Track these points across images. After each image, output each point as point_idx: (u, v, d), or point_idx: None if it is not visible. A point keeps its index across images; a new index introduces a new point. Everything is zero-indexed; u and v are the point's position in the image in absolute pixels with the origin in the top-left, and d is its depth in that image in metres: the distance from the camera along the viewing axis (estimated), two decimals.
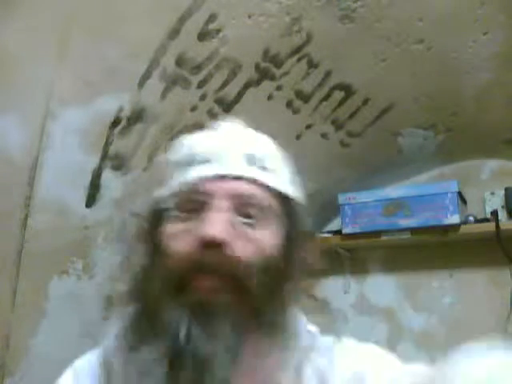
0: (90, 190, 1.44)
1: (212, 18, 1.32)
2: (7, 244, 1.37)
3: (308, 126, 1.79)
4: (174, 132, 1.52)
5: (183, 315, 0.62)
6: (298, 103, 1.68)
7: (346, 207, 1.99)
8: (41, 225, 1.39)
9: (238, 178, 0.67)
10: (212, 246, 0.62)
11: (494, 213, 1.91)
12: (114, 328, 0.71)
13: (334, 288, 2.23)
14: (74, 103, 1.30)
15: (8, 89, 1.22)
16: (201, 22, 1.32)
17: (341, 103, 1.75)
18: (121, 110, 1.38)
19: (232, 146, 0.69)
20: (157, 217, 0.69)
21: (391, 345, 2.12)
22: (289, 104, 1.67)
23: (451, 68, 1.67)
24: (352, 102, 1.76)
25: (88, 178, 1.43)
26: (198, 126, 1.63)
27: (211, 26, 1.34)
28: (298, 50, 1.51)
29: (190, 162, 0.69)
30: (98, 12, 1.20)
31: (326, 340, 0.74)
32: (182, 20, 1.30)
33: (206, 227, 0.63)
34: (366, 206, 1.96)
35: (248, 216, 0.67)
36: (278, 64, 1.52)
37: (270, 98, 1.61)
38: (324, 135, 1.86)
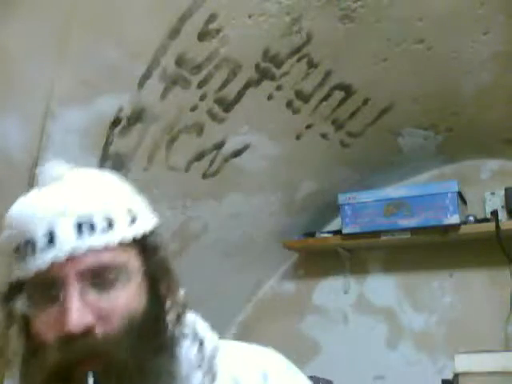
0: None
1: (212, 18, 1.32)
2: None
3: (308, 126, 1.79)
4: (174, 132, 1.52)
5: None
6: (297, 103, 1.68)
7: (346, 207, 1.99)
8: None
9: (80, 254, 0.64)
10: (76, 338, 0.62)
11: (494, 213, 1.91)
12: None
13: (334, 288, 2.24)
14: (74, 103, 1.30)
15: (8, 89, 1.22)
16: (201, 22, 1.32)
17: (341, 103, 1.75)
18: (121, 110, 1.37)
19: (60, 223, 0.65)
20: (14, 303, 0.67)
21: (391, 345, 2.12)
22: (289, 104, 1.67)
23: (451, 68, 1.67)
24: (352, 101, 1.76)
25: None
26: (198, 126, 1.64)
27: (211, 26, 1.34)
28: (298, 50, 1.51)
29: (26, 251, 0.65)
30: (98, 12, 1.19)
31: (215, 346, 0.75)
32: (182, 20, 1.29)
33: (66, 320, 0.62)
34: (365, 206, 1.96)
35: (103, 286, 0.65)
36: (278, 64, 1.52)
37: (270, 98, 1.61)
38: (324, 135, 1.86)
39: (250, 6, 1.35)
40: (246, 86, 1.54)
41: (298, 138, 1.81)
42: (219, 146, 1.65)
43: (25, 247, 0.65)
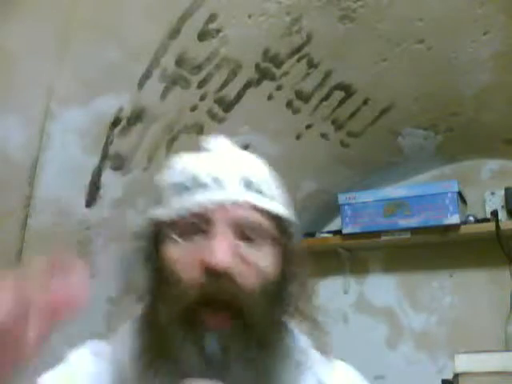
0: (89, 189, 1.44)
1: (212, 18, 1.32)
2: (7, 244, 1.37)
3: (308, 126, 1.79)
4: (174, 132, 1.52)
5: (194, 348, 0.64)
6: (297, 103, 1.68)
7: (346, 207, 1.99)
8: (41, 225, 1.38)
9: (236, 203, 0.69)
10: (217, 274, 0.64)
11: (494, 213, 1.91)
12: (124, 338, 0.72)
13: (334, 288, 2.23)
14: (74, 103, 1.30)
15: (8, 89, 1.22)
16: (201, 22, 1.32)
17: (341, 103, 1.75)
18: (121, 110, 1.37)
19: (230, 171, 0.71)
20: (156, 238, 0.71)
21: (391, 345, 2.12)
22: (289, 104, 1.67)
23: (451, 68, 1.67)
24: (352, 101, 1.76)
25: (88, 178, 1.43)
26: (198, 126, 1.64)
27: (211, 26, 1.34)
28: (298, 49, 1.51)
29: (189, 186, 0.70)
30: (98, 12, 1.20)
31: (317, 356, 0.77)
32: (182, 20, 1.30)
33: (210, 256, 0.65)
34: (365, 206, 1.96)
35: (247, 240, 0.69)
36: (278, 64, 1.52)
37: (270, 97, 1.61)
38: (324, 135, 1.86)
39: (249, 6, 1.35)
40: (246, 86, 1.54)
41: (298, 137, 1.81)
42: None
43: (191, 184, 0.70)
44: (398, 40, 1.56)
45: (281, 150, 1.80)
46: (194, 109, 1.50)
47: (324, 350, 0.77)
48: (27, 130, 1.28)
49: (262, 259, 0.69)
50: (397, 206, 1.92)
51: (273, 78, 1.56)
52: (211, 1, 1.29)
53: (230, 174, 0.70)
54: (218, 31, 1.36)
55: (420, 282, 2.12)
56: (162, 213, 0.71)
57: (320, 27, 1.46)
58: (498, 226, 1.86)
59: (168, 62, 1.36)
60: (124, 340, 0.72)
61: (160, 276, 0.69)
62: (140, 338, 0.69)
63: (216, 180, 0.70)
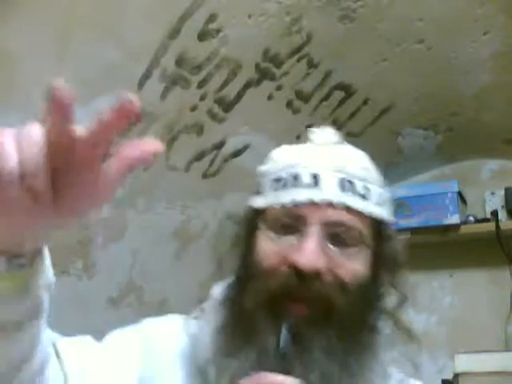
0: None
1: (212, 18, 1.32)
2: None
3: (308, 126, 1.78)
4: (174, 132, 1.52)
5: (271, 335, 0.65)
6: (297, 103, 1.68)
7: None
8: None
9: (332, 204, 0.68)
10: (303, 275, 0.65)
11: (494, 213, 1.92)
12: (210, 318, 0.73)
13: None
14: (74, 103, 1.30)
15: (8, 89, 1.22)
16: (201, 22, 1.32)
17: (341, 103, 1.75)
18: None
19: (329, 169, 0.70)
20: (251, 225, 0.73)
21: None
22: (289, 104, 1.67)
23: (451, 68, 1.67)
24: (352, 101, 1.76)
25: None
26: (198, 126, 1.64)
27: (211, 26, 1.34)
28: (298, 49, 1.51)
29: (287, 181, 0.71)
30: (98, 12, 1.20)
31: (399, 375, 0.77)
32: (182, 20, 1.29)
33: (298, 256, 0.65)
34: None
35: (339, 243, 0.68)
36: (278, 64, 1.52)
37: (270, 97, 1.61)
38: None
39: (250, 5, 1.35)
40: (246, 86, 1.54)
41: (297, 138, 1.81)
42: (219, 146, 1.65)
43: (289, 179, 0.70)
44: (398, 40, 1.56)
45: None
46: (194, 109, 1.50)
47: (413, 362, 0.77)
48: None
49: (352, 263, 0.68)
50: (397, 205, 1.92)
51: (273, 77, 1.56)
52: (211, 1, 1.29)
53: (329, 173, 0.70)
54: (218, 31, 1.36)
55: (420, 282, 2.12)
56: (259, 203, 0.73)
57: (320, 27, 1.46)
58: (498, 226, 1.86)
59: (168, 62, 1.36)
60: (209, 320, 0.72)
61: (249, 263, 0.70)
62: (224, 321, 0.70)
63: (313, 178, 0.69)
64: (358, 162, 0.74)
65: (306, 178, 0.69)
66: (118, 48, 1.27)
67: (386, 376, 0.72)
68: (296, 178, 0.70)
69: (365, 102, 1.78)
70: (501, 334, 1.93)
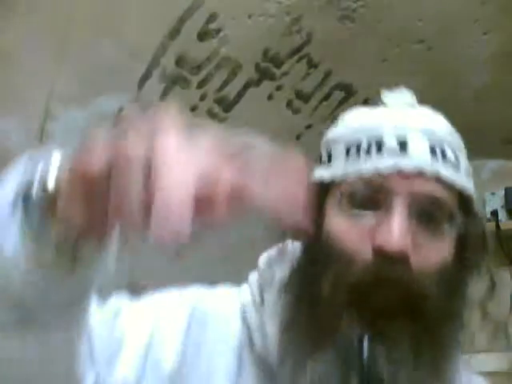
0: None
1: (212, 17, 1.32)
2: None
3: (308, 126, 1.79)
4: None
5: (360, 333, 0.56)
6: (297, 103, 1.68)
7: None
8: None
9: (423, 174, 0.58)
10: (391, 258, 0.55)
11: (494, 213, 1.91)
12: (276, 308, 0.62)
13: None
14: (74, 103, 1.30)
15: (8, 89, 1.22)
16: (201, 22, 1.32)
17: (341, 103, 1.75)
18: (121, 110, 1.37)
19: (417, 133, 0.60)
20: (321, 202, 0.61)
21: None
22: (289, 104, 1.67)
23: (451, 68, 1.67)
24: (352, 102, 1.76)
25: None
26: None
27: (211, 26, 1.34)
28: (298, 49, 1.51)
29: (366, 147, 0.59)
30: (98, 12, 1.20)
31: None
32: (182, 20, 1.29)
33: (385, 236, 0.56)
34: None
35: (428, 220, 0.59)
36: (278, 64, 1.52)
37: (270, 97, 1.61)
38: None
39: (250, 6, 1.35)
40: (246, 86, 1.54)
41: (297, 138, 1.81)
42: None
43: (370, 144, 0.59)
44: (398, 40, 1.56)
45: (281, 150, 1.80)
46: (193, 109, 1.50)
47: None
48: (27, 130, 1.28)
49: (442, 245, 0.59)
50: None
51: (273, 77, 1.56)
52: (211, 1, 1.29)
53: (418, 136, 0.59)
54: (218, 31, 1.36)
55: None
56: (330, 174, 0.61)
57: (320, 27, 1.46)
58: (498, 226, 1.86)
59: (168, 62, 1.36)
60: (273, 310, 0.62)
61: (322, 247, 0.59)
62: (294, 313, 0.60)
63: (400, 142, 0.58)
64: (445, 127, 0.64)
65: (392, 142, 0.58)
66: (118, 48, 1.27)
67: (461, 373, 0.64)
68: (378, 142, 0.59)
69: (365, 102, 1.78)
70: (501, 334, 1.93)
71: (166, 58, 1.34)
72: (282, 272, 0.65)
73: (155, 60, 1.34)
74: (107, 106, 1.36)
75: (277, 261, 0.67)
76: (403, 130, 0.60)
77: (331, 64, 1.60)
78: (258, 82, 1.55)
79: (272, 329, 0.61)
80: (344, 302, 0.56)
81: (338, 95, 1.72)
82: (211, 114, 1.55)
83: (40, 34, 1.17)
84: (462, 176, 0.61)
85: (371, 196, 0.58)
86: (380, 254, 0.56)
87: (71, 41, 1.21)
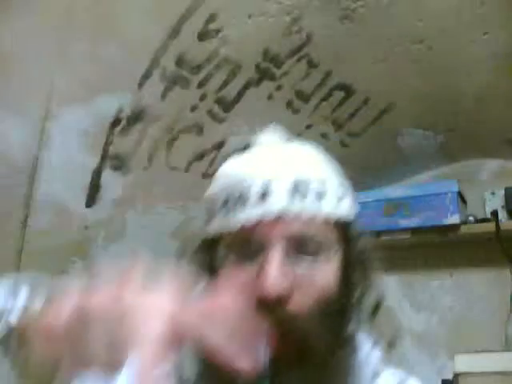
0: (90, 189, 1.44)
1: (212, 17, 1.32)
2: (7, 244, 1.37)
3: (308, 126, 1.79)
4: (174, 132, 1.52)
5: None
6: (297, 103, 1.68)
7: None
8: (41, 225, 1.38)
9: (288, 215, 0.61)
10: (271, 302, 0.58)
11: (494, 213, 1.91)
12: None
13: None
14: (74, 103, 1.30)
15: (8, 89, 1.22)
16: (201, 22, 1.32)
17: (341, 103, 1.75)
18: (121, 110, 1.37)
19: (280, 179, 0.63)
20: (212, 253, 0.66)
21: (391, 345, 2.12)
22: (289, 104, 1.67)
23: (451, 68, 1.67)
24: (352, 101, 1.76)
25: (88, 178, 1.43)
26: (198, 126, 1.64)
27: (211, 26, 1.34)
28: (298, 49, 1.51)
29: (233, 202, 0.63)
30: (98, 12, 1.20)
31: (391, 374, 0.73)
32: (182, 20, 1.30)
33: (262, 285, 0.59)
34: (365, 206, 1.96)
35: (306, 254, 0.62)
36: (278, 64, 1.52)
37: (270, 97, 1.61)
38: (324, 135, 1.86)
39: (250, 6, 1.35)
40: (246, 86, 1.54)
41: (298, 137, 1.81)
42: (219, 146, 1.65)
43: (235, 201, 0.63)
44: (398, 40, 1.56)
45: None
46: (194, 109, 1.50)
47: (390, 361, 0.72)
48: (27, 130, 1.28)
49: (322, 274, 0.62)
50: (397, 206, 1.92)
51: (273, 77, 1.56)
52: (211, 1, 1.29)
53: (281, 184, 0.62)
54: (218, 31, 1.36)
55: (420, 282, 2.12)
56: (212, 229, 0.66)
57: (320, 27, 1.46)
58: (498, 226, 1.86)
59: (168, 62, 1.36)
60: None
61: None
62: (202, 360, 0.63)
63: (261, 191, 0.62)
64: (308, 160, 0.68)
65: (255, 196, 0.62)
66: (118, 48, 1.27)
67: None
68: (241, 196, 0.63)
69: (365, 102, 1.78)
70: (501, 334, 1.93)
71: (165, 57, 1.34)
72: None
73: (155, 60, 1.34)
74: (107, 105, 1.36)
75: None
76: (266, 181, 0.63)
77: (331, 64, 1.60)
78: (258, 82, 1.55)
79: (189, 363, 0.63)
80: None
81: (338, 95, 1.72)
82: (211, 114, 1.55)
83: (40, 34, 1.17)
84: (334, 206, 0.64)
85: (249, 247, 0.62)
86: (261, 303, 0.58)
87: (71, 41, 1.21)
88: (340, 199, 0.66)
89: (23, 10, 1.13)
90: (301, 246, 0.62)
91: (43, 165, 1.32)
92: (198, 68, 1.41)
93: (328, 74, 1.63)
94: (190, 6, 1.28)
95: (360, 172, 2.10)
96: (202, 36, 1.35)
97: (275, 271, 0.59)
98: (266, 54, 1.48)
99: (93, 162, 1.41)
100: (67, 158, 1.36)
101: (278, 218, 0.61)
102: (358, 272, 0.68)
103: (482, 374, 1.64)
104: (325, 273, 0.63)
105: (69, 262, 1.49)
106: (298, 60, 1.54)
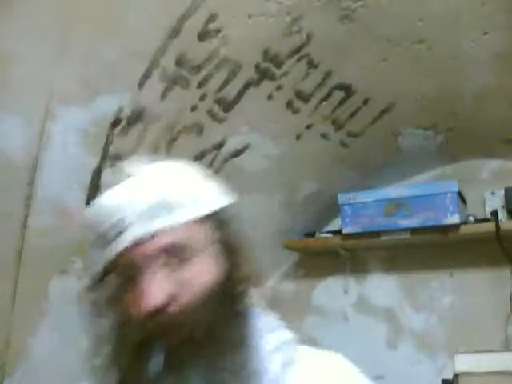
0: (89, 190, 1.44)
1: (212, 17, 1.32)
2: (7, 244, 1.37)
3: (308, 126, 1.79)
4: (174, 132, 1.52)
5: (143, 368, 0.68)
6: (297, 103, 1.68)
7: (346, 207, 1.99)
8: (41, 225, 1.38)
9: (150, 235, 0.69)
10: (155, 313, 0.67)
11: (494, 213, 1.91)
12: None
13: (334, 288, 2.23)
14: (74, 103, 1.30)
15: (8, 89, 1.22)
16: (201, 22, 1.32)
17: (341, 103, 1.75)
18: (121, 110, 1.37)
19: (137, 205, 0.70)
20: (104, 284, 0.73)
21: (391, 345, 2.12)
22: (289, 104, 1.67)
23: (451, 68, 1.67)
24: (352, 101, 1.76)
25: (88, 178, 1.43)
26: (198, 126, 1.64)
27: (211, 26, 1.34)
28: (298, 49, 1.51)
29: (102, 241, 0.71)
30: (98, 12, 1.20)
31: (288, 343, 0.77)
32: (182, 20, 1.29)
33: (143, 299, 0.67)
34: (365, 206, 1.96)
35: (175, 259, 0.69)
36: (278, 64, 1.52)
37: (270, 97, 1.61)
38: (324, 135, 1.86)
39: (250, 5, 1.35)
40: (246, 85, 1.54)
41: (297, 138, 1.81)
42: (219, 146, 1.65)
43: (100, 239, 0.71)
44: (398, 40, 1.56)
45: (281, 150, 1.80)
46: (194, 109, 1.50)
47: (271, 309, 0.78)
48: (27, 130, 1.28)
49: (200, 272, 0.70)
50: (397, 205, 1.92)
51: (273, 77, 1.56)
52: (211, 1, 1.29)
53: (127, 214, 0.70)
54: (218, 31, 1.36)
55: (420, 282, 2.12)
56: (96, 266, 0.73)
57: (320, 27, 1.46)
58: (498, 226, 1.86)
59: (168, 62, 1.36)
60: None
61: (116, 320, 0.72)
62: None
63: (115, 226, 0.70)
64: (155, 185, 0.73)
65: (112, 232, 0.70)
66: (118, 48, 1.27)
67: (266, 362, 0.72)
68: (105, 236, 0.71)
69: (365, 102, 1.78)
70: (501, 334, 1.93)
71: (165, 57, 1.34)
72: None
73: (155, 60, 1.34)
74: (107, 105, 1.36)
75: None
76: (119, 215, 0.70)
77: (331, 64, 1.60)
78: (258, 82, 1.55)
79: None
80: (135, 351, 0.69)
81: (338, 95, 1.72)
82: (211, 114, 1.55)
83: (40, 34, 1.17)
84: (179, 213, 0.70)
85: (126, 273, 0.70)
86: (146, 316, 0.67)
87: (71, 41, 1.21)
88: (192, 205, 0.72)
89: (23, 10, 1.13)
90: (168, 257, 0.69)
91: (43, 165, 1.32)
92: (198, 68, 1.41)
93: (328, 74, 1.63)
94: (189, 6, 1.28)
95: (360, 172, 2.10)
96: (202, 36, 1.35)
97: (148, 287, 0.68)
98: (265, 53, 1.48)
99: (93, 161, 1.41)
100: (67, 158, 1.36)
101: (139, 242, 0.69)
102: (234, 254, 0.75)
103: (482, 373, 1.64)
104: (197, 270, 0.70)
105: (69, 262, 1.49)
106: (298, 60, 1.54)
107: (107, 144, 1.41)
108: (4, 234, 1.34)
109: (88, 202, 1.46)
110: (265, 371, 0.71)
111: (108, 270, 0.71)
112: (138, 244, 0.69)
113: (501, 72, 1.67)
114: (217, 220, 0.74)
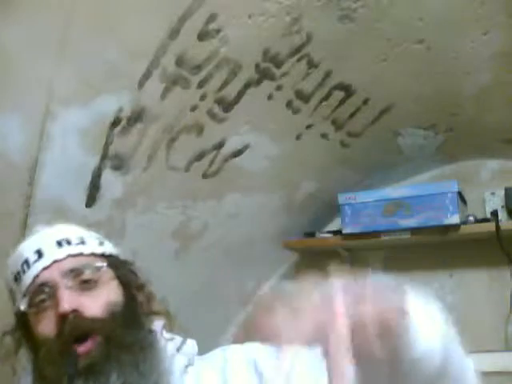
0: (89, 189, 1.44)
1: (212, 17, 1.32)
2: (7, 244, 1.37)
3: (308, 126, 1.79)
4: (174, 132, 1.52)
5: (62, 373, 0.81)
6: (297, 103, 1.68)
7: (346, 207, 1.99)
8: (41, 225, 1.38)
9: (58, 261, 0.86)
10: (67, 316, 0.82)
11: (494, 213, 1.92)
12: None
13: None
14: (74, 103, 1.30)
15: (8, 89, 1.22)
16: (201, 22, 1.32)
17: (341, 103, 1.75)
18: (121, 110, 1.37)
19: (46, 243, 0.89)
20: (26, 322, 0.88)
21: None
22: (289, 104, 1.67)
23: (451, 68, 1.67)
24: (352, 101, 1.76)
25: (88, 178, 1.43)
26: (198, 126, 1.64)
27: (211, 26, 1.34)
28: (298, 49, 1.51)
29: (24, 269, 0.88)
30: (98, 12, 1.20)
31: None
32: (182, 20, 1.29)
33: (57, 308, 0.83)
34: (366, 206, 1.96)
35: (84, 280, 0.86)
36: (278, 64, 1.52)
37: (270, 97, 1.61)
38: (324, 135, 1.86)
39: (250, 5, 1.35)
40: (246, 85, 1.54)
41: (298, 138, 1.81)
42: (219, 145, 1.65)
43: (22, 268, 0.88)
44: (398, 40, 1.56)
45: (281, 150, 1.80)
46: (194, 109, 1.50)
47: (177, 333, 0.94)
48: (27, 130, 1.28)
49: (102, 291, 0.87)
50: (397, 206, 1.92)
51: (273, 78, 1.56)
52: (211, 1, 1.29)
53: (48, 243, 0.89)
54: (218, 31, 1.36)
55: (420, 282, 2.12)
56: (19, 302, 0.88)
57: (320, 27, 1.46)
58: (498, 226, 1.86)
59: (168, 62, 1.36)
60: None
61: (38, 347, 0.86)
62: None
63: (36, 253, 0.88)
64: (69, 227, 0.94)
65: (33, 257, 0.88)
66: (118, 48, 1.27)
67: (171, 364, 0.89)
68: (27, 262, 0.88)
69: (365, 102, 1.78)
70: (501, 334, 1.93)
71: (165, 57, 1.34)
72: None
73: (155, 60, 1.34)
74: (107, 105, 1.36)
75: None
76: (38, 245, 0.89)
77: (331, 64, 1.60)
78: (258, 82, 1.55)
79: None
80: (56, 360, 0.83)
81: (338, 95, 1.72)
82: (211, 114, 1.55)
83: (40, 34, 1.17)
84: (88, 246, 0.91)
85: (43, 292, 0.86)
86: (60, 320, 0.83)
87: (71, 41, 1.21)
88: (99, 244, 0.93)
89: (23, 10, 1.13)
90: (78, 277, 0.86)
91: (43, 165, 1.32)
92: (198, 68, 1.41)
93: (328, 74, 1.63)
94: (189, 6, 1.28)
95: (360, 172, 2.10)
96: (202, 36, 1.35)
97: (63, 294, 0.83)
98: (265, 53, 1.48)
99: (93, 161, 1.41)
100: (67, 158, 1.36)
101: (54, 263, 0.86)
102: (134, 284, 0.93)
103: (482, 373, 1.63)
104: (103, 291, 0.87)
105: None
106: (298, 60, 1.54)
107: (107, 144, 1.41)
108: (4, 234, 1.34)
109: (88, 202, 1.46)
110: (169, 372, 0.87)
111: (26, 293, 0.86)
112: (53, 265, 0.86)
113: (501, 72, 1.67)
114: (115, 259, 0.93)
